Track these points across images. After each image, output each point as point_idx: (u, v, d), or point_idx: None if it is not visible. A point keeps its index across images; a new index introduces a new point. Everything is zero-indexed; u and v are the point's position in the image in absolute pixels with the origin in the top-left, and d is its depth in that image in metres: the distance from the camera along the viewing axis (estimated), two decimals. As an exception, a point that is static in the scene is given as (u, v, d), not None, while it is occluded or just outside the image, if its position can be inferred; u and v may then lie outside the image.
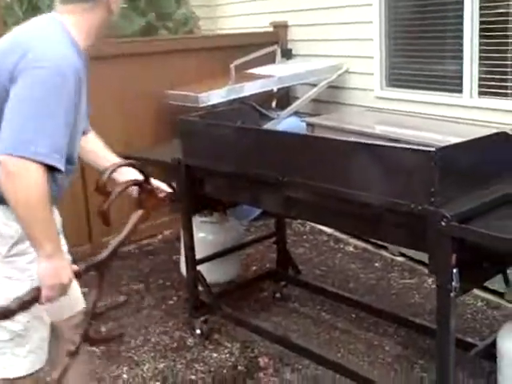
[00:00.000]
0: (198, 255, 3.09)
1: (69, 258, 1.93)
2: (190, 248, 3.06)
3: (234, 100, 4.56)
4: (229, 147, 2.69)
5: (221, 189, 2.86)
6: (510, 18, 3.81)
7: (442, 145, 2.00)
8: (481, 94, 4.08)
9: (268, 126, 4.70)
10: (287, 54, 5.44)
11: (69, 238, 2.12)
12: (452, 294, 1.92)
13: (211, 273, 3.21)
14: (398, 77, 4.73)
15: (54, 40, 1.70)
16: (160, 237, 4.68)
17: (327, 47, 5.19)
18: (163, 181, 2.21)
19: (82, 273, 1.76)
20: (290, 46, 5.55)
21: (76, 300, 2.03)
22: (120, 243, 1.89)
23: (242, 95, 4.54)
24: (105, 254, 1.83)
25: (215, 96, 4.39)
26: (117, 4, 1.84)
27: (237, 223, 3.46)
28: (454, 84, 4.26)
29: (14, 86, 1.61)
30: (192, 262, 3.06)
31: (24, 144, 1.55)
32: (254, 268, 3.87)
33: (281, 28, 5.53)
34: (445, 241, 1.87)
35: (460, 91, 4.19)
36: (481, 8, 3.96)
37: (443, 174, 1.88)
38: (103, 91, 4.25)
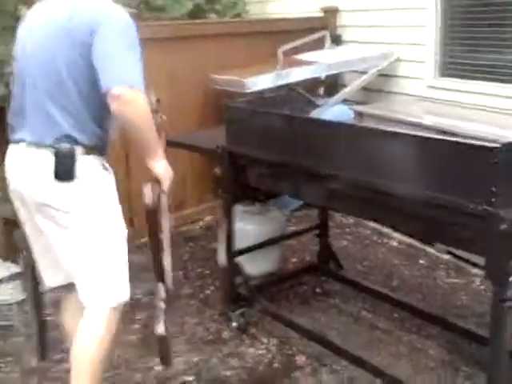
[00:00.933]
0: (237, 246, 3.00)
1: None
2: (229, 238, 2.96)
3: (282, 86, 4.44)
4: (274, 135, 2.58)
5: (263, 178, 2.75)
6: None
7: (505, 140, 1.85)
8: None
9: (315, 113, 4.57)
10: (337, 40, 5.27)
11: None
12: (508, 303, 1.78)
13: (250, 264, 3.12)
14: (451, 66, 4.52)
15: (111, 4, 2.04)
16: (201, 223, 4.61)
17: (378, 34, 5.00)
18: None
19: None
20: (339, 31, 5.37)
21: None
22: None
23: (289, 81, 4.41)
24: None
25: (262, 81, 4.27)
26: None
27: (279, 214, 3.35)
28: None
29: (96, 35, 1.91)
30: (230, 253, 2.97)
31: (132, 78, 1.91)
32: (295, 261, 3.75)
33: (331, 13, 5.35)
34: (504, 246, 1.73)
35: (520, 83, 3.98)
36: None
37: (506, 172, 1.73)
38: (153, 72, 4.19)
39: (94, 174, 2.05)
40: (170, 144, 3.31)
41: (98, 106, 2.00)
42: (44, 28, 2.01)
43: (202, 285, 3.54)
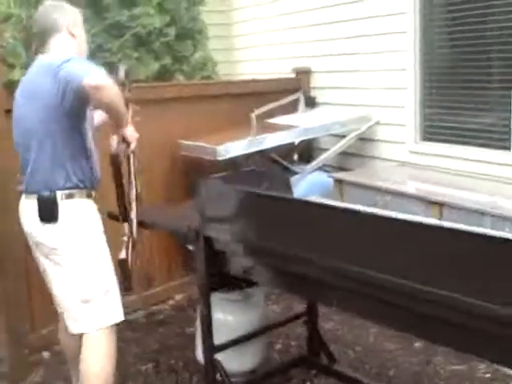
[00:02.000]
0: (217, 340, 2.62)
1: None
2: (208, 332, 2.59)
3: (255, 152, 4.16)
4: (256, 218, 2.26)
5: (245, 267, 2.41)
6: None
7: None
8: (531, 151, 3.66)
9: (292, 181, 4.28)
10: (311, 103, 5.05)
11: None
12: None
13: (231, 360, 2.74)
14: (433, 130, 4.31)
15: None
16: (171, 302, 4.20)
17: (354, 95, 4.80)
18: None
19: None
20: (313, 93, 5.17)
21: None
22: None
23: (263, 148, 4.13)
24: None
25: (234, 148, 3.97)
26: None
27: (261, 299, 2.99)
28: (499, 139, 3.84)
29: (59, 78, 2.28)
30: (210, 349, 2.58)
31: (94, 70, 2.23)
32: (280, 350, 3.35)
33: (303, 74, 5.15)
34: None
35: (507, 147, 3.77)
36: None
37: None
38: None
39: (76, 215, 2.41)
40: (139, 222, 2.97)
41: (71, 151, 2.39)
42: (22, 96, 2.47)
43: (176, 381, 3.11)
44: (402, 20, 4.30)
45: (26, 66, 3.32)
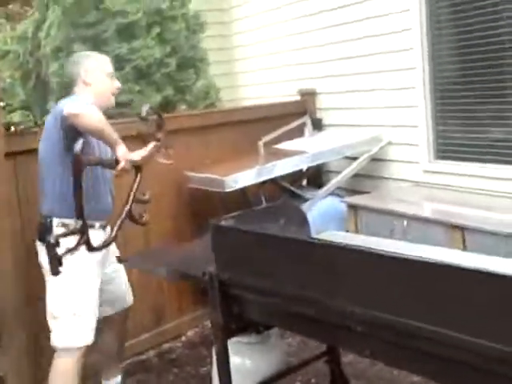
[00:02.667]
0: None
1: None
2: (227, 380, 2.44)
3: (264, 182, 4.03)
4: (272, 261, 2.12)
5: (263, 312, 2.27)
6: None
7: None
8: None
9: (305, 207, 4.15)
10: (317, 125, 4.93)
11: None
12: None
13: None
14: (447, 147, 4.17)
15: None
16: (183, 339, 4.06)
17: (362, 116, 4.68)
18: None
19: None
20: (319, 115, 5.05)
21: (127, 296, 3.13)
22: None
23: (272, 176, 4.00)
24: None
25: (243, 178, 3.85)
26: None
27: (279, 339, 2.84)
28: (517, 156, 3.71)
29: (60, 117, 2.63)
30: (229, 399, 2.43)
31: (74, 104, 2.59)
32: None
33: (309, 96, 5.04)
34: None
35: (526, 164, 3.63)
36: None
37: None
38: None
39: (66, 242, 2.50)
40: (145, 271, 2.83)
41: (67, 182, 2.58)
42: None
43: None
44: (408, 36, 4.19)
45: (24, 107, 3.22)
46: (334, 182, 4.38)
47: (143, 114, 2.70)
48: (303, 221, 2.65)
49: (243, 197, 4.20)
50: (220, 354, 2.45)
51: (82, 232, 2.53)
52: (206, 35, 5.23)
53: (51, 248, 2.42)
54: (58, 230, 2.61)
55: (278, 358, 2.77)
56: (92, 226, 2.69)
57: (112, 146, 2.62)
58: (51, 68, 4.30)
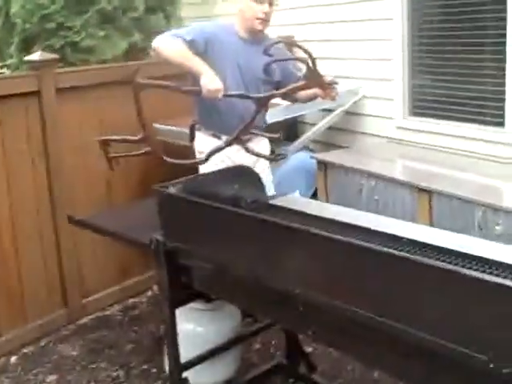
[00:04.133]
0: (186, 353, 2.42)
1: None
2: (174, 349, 2.38)
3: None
4: (210, 230, 2.04)
5: (212, 284, 2.19)
6: None
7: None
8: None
9: (273, 165, 4.04)
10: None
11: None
12: None
13: (203, 373, 2.55)
14: (423, 103, 4.04)
15: None
16: (149, 293, 4.01)
17: (340, 67, 4.50)
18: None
19: None
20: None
21: None
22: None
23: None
24: None
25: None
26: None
27: (234, 309, 2.76)
28: (493, 115, 3.58)
29: None
30: (178, 367, 2.39)
31: (160, 36, 2.92)
32: (257, 360, 3.11)
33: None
34: None
35: (501, 124, 3.51)
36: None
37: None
38: (83, 125, 3.65)
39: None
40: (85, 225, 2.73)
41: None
42: None
43: (146, 388, 2.94)
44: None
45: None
46: (305, 136, 4.26)
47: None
48: (258, 185, 2.55)
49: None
50: (167, 323, 2.38)
51: None
52: None
53: None
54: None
55: (230, 326, 2.71)
56: (217, 136, 2.97)
57: (197, 76, 2.70)
58: (13, 8, 4.07)
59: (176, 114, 3.96)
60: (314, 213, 2.29)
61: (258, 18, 2.87)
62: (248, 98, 2.45)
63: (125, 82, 3.81)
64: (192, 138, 2.56)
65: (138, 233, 2.45)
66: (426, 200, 3.16)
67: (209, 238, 2.06)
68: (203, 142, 2.98)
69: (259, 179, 2.58)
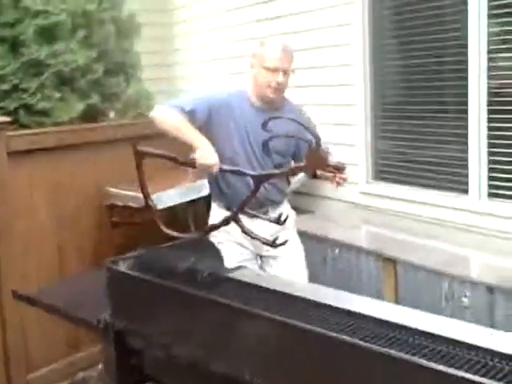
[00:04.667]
0: None
1: None
2: None
3: (195, 200, 3.77)
4: (168, 311, 1.88)
5: (162, 368, 2.02)
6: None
7: None
8: (491, 195, 3.36)
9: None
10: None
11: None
12: None
13: None
14: (387, 169, 4.00)
15: None
16: (100, 367, 3.76)
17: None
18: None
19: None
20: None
21: None
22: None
23: (202, 194, 3.74)
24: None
25: (168, 197, 3.58)
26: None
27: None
28: (457, 181, 3.54)
29: None
30: None
31: (160, 105, 2.78)
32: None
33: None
34: None
35: (466, 191, 3.46)
36: (489, 90, 3.28)
37: None
38: (35, 189, 3.53)
39: None
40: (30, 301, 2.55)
41: None
42: None
43: None
44: (349, 52, 3.99)
45: None
46: (267, 202, 4.13)
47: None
48: (217, 257, 2.41)
49: (177, 216, 3.92)
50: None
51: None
52: (147, 37, 4.98)
53: None
54: None
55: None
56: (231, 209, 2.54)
57: (193, 147, 2.55)
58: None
59: (126, 178, 3.84)
60: (273, 287, 2.18)
61: (269, 87, 2.71)
62: (244, 175, 2.33)
63: (78, 145, 3.78)
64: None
65: (87, 310, 2.28)
66: (392, 269, 3.06)
67: (157, 318, 1.91)
68: (215, 215, 2.80)
69: (218, 253, 2.45)
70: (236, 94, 2.82)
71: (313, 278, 3.61)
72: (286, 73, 2.72)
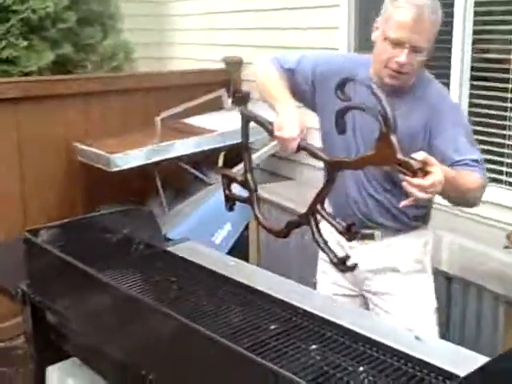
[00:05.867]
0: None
1: None
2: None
3: (162, 161, 3.62)
4: (78, 291, 1.76)
5: (80, 349, 1.91)
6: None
7: None
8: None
9: (202, 194, 3.78)
10: (241, 98, 4.49)
11: None
12: None
13: None
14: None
15: None
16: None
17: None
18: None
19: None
20: (245, 87, 4.61)
21: None
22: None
23: (170, 156, 3.59)
24: None
25: (133, 158, 3.43)
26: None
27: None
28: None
29: None
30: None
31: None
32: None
33: (234, 65, 4.59)
34: None
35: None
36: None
37: None
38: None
39: None
40: None
41: None
42: None
43: None
44: (335, 13, 3.77)
45: None
46: (240, 166, 3.97)
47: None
48: (155, 227, 2.27)
49: (147, 176, 3.79)
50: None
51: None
52: None
53: None
54: None
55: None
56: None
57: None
58: None
59: (97, 133, 3.71)
60: (209, 266, 2.07)
61: (386, 67, 1.86)
62: (317, 157, 1.66)
63: (47, 97, 3.64)
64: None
65: (9, 278, 2.16)
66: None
67: (64, 295, 1.80)
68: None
69: (156, 225, 2.30)
70: (356, 62, 2.04)
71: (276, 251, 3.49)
72: (416, 50, 1.81)
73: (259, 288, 1.84)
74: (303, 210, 1.65)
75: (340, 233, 1.52)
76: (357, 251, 2.02)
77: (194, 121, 4.00)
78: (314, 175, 3.99)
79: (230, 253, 3.46)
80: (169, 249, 2.24)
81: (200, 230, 3.55)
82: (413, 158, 1.47)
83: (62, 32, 3.76)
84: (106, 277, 1.73)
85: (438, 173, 1.52)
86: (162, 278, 2.00)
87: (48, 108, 3.66)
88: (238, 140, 3.97)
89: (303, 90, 2.03)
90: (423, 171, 1.49)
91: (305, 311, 1.66)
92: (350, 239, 1.56)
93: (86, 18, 3.92)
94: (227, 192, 1.87)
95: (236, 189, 1.91)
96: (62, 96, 3.68)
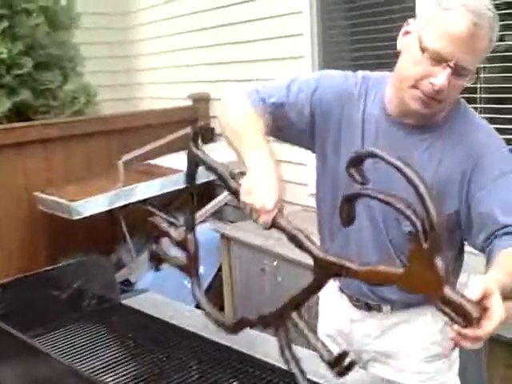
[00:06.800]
0: None
1: None
2: None
3: (126, 206, 3.49)
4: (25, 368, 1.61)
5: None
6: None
7: None
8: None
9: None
10: (208, 135, 4.39)
11: None
12: None
13: None
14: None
15: None
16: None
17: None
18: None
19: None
20: (213, 124, 4.51)
21: None
22: None
23: (134, 199, 3.46)
24: None
25: (95, 205, 3.30)
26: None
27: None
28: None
29: None
30: None
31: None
32: None
33: (201, 102, 4.50)
34: None
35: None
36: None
37: None
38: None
39: None
40: None
41: None
42: None
43: None
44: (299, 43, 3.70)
45: None
46: (207, 207, 3.85)
47: None
48: (110, 281, 2.13)
49: (114, 222, 3.66)
50: None
51: None
52: (104, 27, 4.76)
53: None
54: None
55: None
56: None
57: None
58: None
59: (60, 181, 3.59)
60: (165, 319, 1.93)
61: (415, 87, 1.35)
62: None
63: (6, 145, 3.52)
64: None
65: None
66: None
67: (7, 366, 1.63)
68: (324, 295, 1.71)
69: (111, 271, 2.16)
70: (364, 84, 1.50)
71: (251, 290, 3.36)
72: (460, 73, 1.32)
73: (217, 340, 1.70)
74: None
75: (328, 363, 1.07)
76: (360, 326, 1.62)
77: (162, 161, 3.89)
78: (296, 213, 3.89)
79: (206, 294, 3.32)
80: (124, 302, 2.09)
81: (171, 276, 3.39)
82: (465, 297, 0.96)
83: (19, 78, 3.66)
84: (48, 342, 1.59)
85: (498, 308, 1.00)
86: (116, 334, 1.86)
87: (7, 157, 3.55)
88: (205, 179, 3.90)
89: (297, 127, 1.54)
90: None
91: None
92: (339, 374, 1.06)
93: (44, 63, 3.82)
94: (154, 247, 1.46)
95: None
96: (20, 144, 3.57)
